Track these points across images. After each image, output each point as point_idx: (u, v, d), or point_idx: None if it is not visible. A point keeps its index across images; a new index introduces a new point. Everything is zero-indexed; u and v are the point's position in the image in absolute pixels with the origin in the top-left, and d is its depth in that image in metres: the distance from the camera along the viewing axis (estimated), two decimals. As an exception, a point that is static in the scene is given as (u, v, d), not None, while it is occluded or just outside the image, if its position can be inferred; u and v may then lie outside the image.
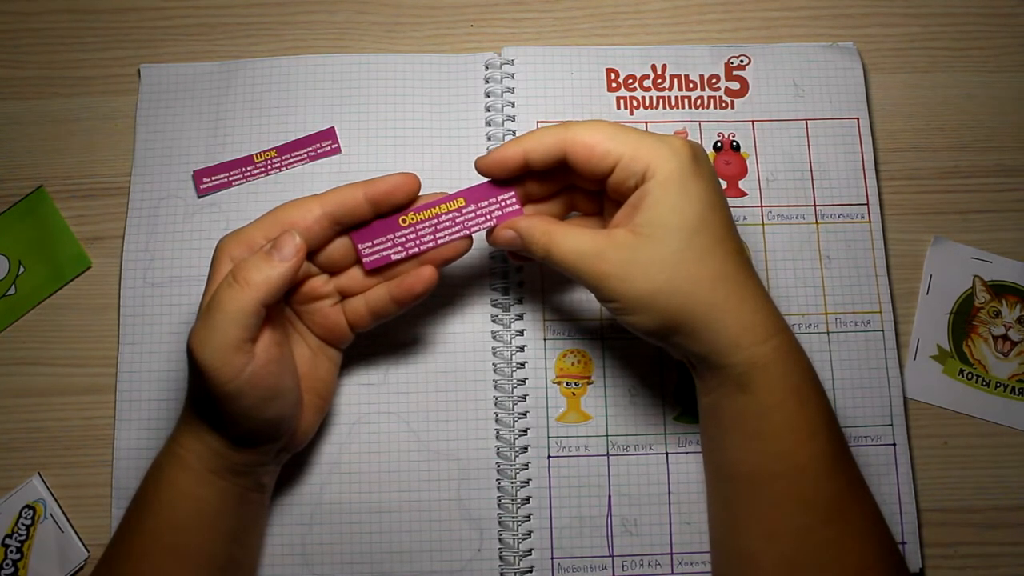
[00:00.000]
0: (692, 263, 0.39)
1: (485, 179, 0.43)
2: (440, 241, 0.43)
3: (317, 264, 0.43)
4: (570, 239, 0.41)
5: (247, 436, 0.41)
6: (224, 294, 0.38)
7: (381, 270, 0.43)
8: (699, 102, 0.54)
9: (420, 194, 0.43)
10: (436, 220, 0.43)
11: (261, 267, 0.39)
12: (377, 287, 0.44)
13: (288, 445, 0.44)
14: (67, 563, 0.48)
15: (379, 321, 0.45)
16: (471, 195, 0.43)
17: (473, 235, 0.43)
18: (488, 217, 0.43)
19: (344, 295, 0.45)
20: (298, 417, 0.43)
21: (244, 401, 0.39)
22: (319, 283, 0.44)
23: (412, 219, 0.43)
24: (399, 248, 0.43)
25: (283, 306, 0.44)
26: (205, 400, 0.40)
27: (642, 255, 0.39)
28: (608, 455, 0.49)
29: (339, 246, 0.43)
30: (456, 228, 0.43)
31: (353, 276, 0.44)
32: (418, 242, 0.43)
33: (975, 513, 0.49)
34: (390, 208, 0.42)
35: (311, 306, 0.44)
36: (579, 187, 0.44)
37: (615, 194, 0.42)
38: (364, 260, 0.43)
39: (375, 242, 0.43)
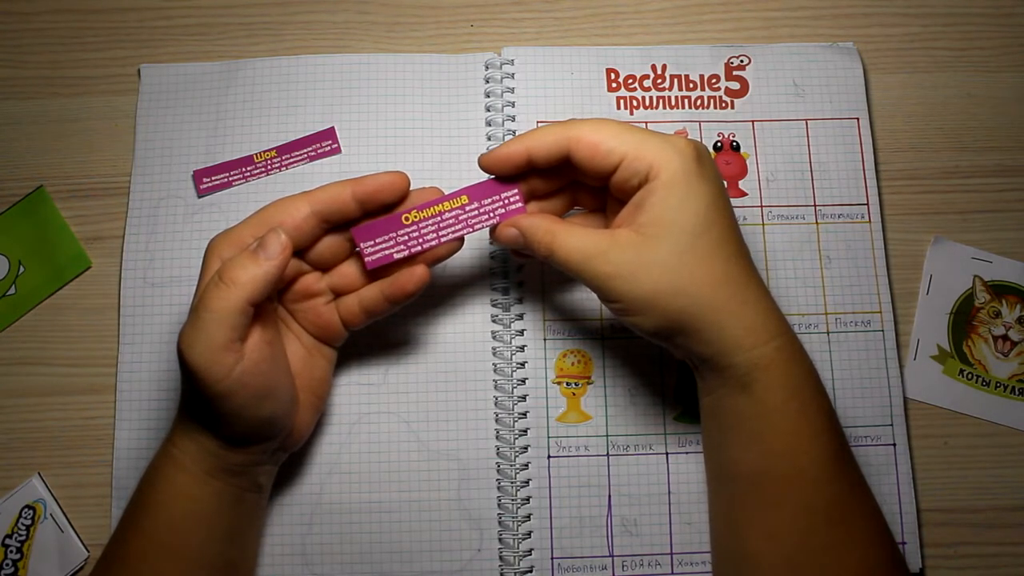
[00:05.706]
0: (696, 264, 0.39)
1: (488, 176, 0.43)
2: (443, 239, 0.43)
3: (308, 261, 0.43)
4: (573, 239, 0.41)
5: (241, 436, 0.41)
6: (211, 294, 0.38)
7: (383, 269, 0.43)
8: (699, 102, 0.54)
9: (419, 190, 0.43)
10: (439, 218, 0.43)
11: (247, 266, 0.39)
12: (370, 285, 0.44)
13: (284, 444, 0.44)
14: (67, 563, 0.48)
15: (373, 319, 0.45)
16: (474, 192, 0.43)
17: (469, 234, 0.43)
18: (491, 215, 0.43)
19: (337, 293, 0.45)
20: (293, 416, 0.43)
21: (235, 400, 0.39)
22: (312, 280, 0.44)
23: (415, 217, 0.42)
24: (402, 247, 0.43)
25: (275, 305, 0.44)
26: (197, 400, 0.40)
27: (645, 256, 0.39)
28: (608, 455, 0.49)
29: (329, 243, 0.43)
30: (459, 226, 0.43)
31: (346, 274, 0.44)
32: (421, 240, 0.43)
33: (975, 513, 0.49)
34: (377, 207, 0.42)
35: (304, 304, 0.44)
36: (582, 183, 0.44)
37: (618, 192, 0.42)
38: (367, 259, 0.42)
39: (377, 241, 0.42)
